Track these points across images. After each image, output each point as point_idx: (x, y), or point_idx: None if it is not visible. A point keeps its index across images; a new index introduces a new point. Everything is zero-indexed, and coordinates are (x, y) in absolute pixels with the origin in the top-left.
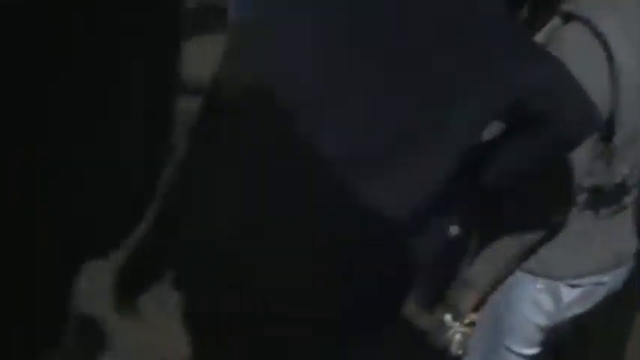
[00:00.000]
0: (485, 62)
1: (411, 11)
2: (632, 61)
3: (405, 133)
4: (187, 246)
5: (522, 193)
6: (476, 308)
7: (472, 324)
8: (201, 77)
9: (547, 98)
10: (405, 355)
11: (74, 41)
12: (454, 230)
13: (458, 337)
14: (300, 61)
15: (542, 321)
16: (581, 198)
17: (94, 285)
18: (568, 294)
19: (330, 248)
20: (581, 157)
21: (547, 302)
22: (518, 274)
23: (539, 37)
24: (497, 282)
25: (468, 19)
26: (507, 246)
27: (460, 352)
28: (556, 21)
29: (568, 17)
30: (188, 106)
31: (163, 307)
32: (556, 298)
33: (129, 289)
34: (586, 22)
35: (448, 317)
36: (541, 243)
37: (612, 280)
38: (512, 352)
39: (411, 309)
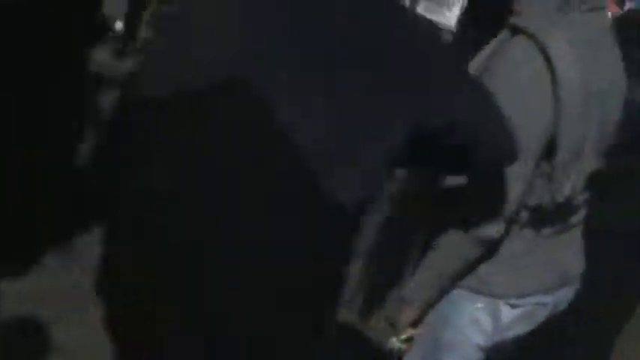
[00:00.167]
0: (410, 88)
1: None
2: (576, 76)
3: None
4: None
5: (457, 208)
6: (414, 324)
7: (410, 339)
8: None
9: (465, 130)
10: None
11: (74, 41)
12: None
13: (396, 351)
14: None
15: (481, 340)
16: (524, 216)
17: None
18: (508, 314)
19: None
20: (523, 174)
21: (486, 321)
22: (458, 291)
23: (488, 50)
24: (435, 298)
25: (400, 44)
26: (445, 261)
27: None
28: (504, 33)
29: (515, 30)
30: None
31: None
32: (495, 317)
33: None
34: (531, 36)
35: (385, 331)
36: (480, 260)
37: (555, 301)
38: None
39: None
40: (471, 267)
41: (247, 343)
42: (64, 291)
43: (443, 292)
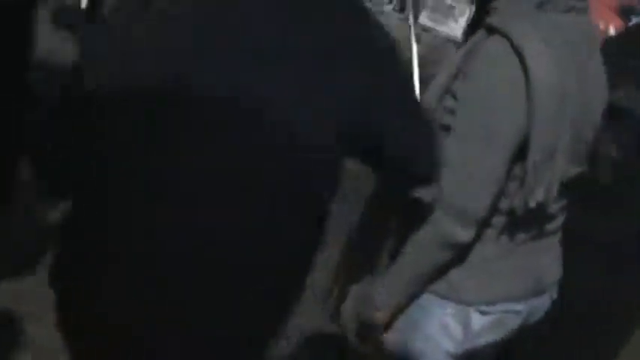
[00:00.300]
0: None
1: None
2: (550, 77)
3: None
4: None
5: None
6: (384, 328)
7: (380, 344)
8: None
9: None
10: None
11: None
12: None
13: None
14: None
15: (451, 347)
16: (498, 221)
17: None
18: (478, 321)
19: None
20: (495, 177)
21: (456, 328)
22: (428, 296)
23: (463, 50)
24: (405, 303)
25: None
26: (414, 265)
27: None
28: (480, 33)
29: (490, 30)
30: None
31: None
32: (465, 324)
33: None
34: (505, 35)
35: (353, 335)
36: (451, 265)
37: (529, 309)
38: None
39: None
40: (441, 271)
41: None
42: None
43: (413, 297)
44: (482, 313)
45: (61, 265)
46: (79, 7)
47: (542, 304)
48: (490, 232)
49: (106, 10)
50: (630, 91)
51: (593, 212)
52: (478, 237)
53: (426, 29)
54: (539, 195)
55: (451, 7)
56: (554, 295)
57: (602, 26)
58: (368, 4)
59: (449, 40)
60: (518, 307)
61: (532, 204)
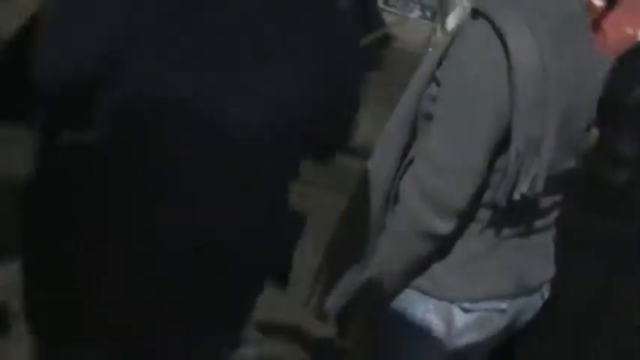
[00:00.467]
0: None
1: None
2: (534, 63)
3: None
4: None
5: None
6: (365, 323)
7: (359, 341)
8: None
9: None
10: None
11: None
12: None
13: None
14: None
15: (434, 345)
16: (483, 215)
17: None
18: (461, 318)
19: None
20: (476, 166)
21: (438, 325)
22: (410, 291)
23: (450, 35)
24: (385, 297)
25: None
26: (393, 257)
27: None
28: (466, 18)
29: (475, 14)
30: None
31: None
32: (448, 321)
33: None
34: (487, 19)
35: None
36: (432, 259)
37: (517, 308)
38: None
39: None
40: (422, 266)
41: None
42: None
43: (394, 292)
44: (465, 310)
45: (59, 264)
46: None
47: (532, 304)
48: (474, 227)
49: None
50: None
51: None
52: (461, 231)
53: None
54: (523, 187)
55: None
56: (546, 295)
57: (630, 31)
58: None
59: None
60: (503, 305)
61: (516, 196)
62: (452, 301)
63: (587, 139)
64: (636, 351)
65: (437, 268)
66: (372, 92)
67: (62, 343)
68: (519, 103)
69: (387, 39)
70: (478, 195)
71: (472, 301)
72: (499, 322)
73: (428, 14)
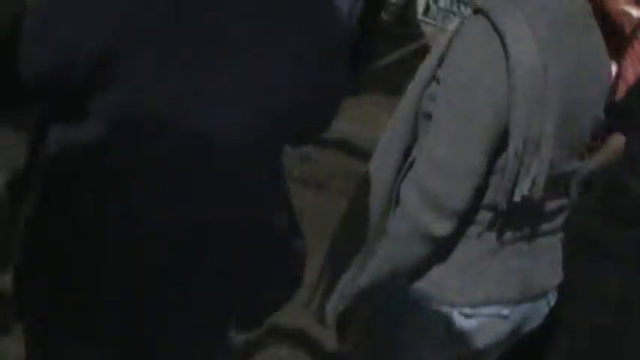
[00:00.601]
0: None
1: None
2: (533, 60)
3: None
4: None
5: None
6: (364, 325)
7: (358, 345)
8: None
9: None
10: None
11: None
12: None
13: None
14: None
15: (434, 351)
16: (483, 217)
17: None
18: (462, 323)
19: None
20: (474, 166)
21: (438, 330)
22: (411, 294)
23: (452, 32)
24: (384, 299)
25: None
26: (390, 258)
27: None
28: (469, 15)
29: (476, 11)
30: None
31: None
32: (448, 326)
33: None
34: (486, 15)
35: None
36: (432, 261)
37: (521, 313)
38: None
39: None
40: (422, 268)
41: None
42: None
43: (393, 294)
44: (466, 315)
45: (58, 261)
46: None
47: (537, 310)
48: (474, 229)
49: None
50: None
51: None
52: (461, 234)
53: None
54: (523, 187)
55: None
56: (552, 302)
57: None
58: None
59: None
60: (505, 311)
61: (517, 197)
62: (452, 306)
63: (588, 140)
64: None
65: (437, 271)
66: None
67: (61, 342)
68: (517, 102)
69: (425, 50)
70: (478, 197)
71: (473, 305)
72: (502, 329)
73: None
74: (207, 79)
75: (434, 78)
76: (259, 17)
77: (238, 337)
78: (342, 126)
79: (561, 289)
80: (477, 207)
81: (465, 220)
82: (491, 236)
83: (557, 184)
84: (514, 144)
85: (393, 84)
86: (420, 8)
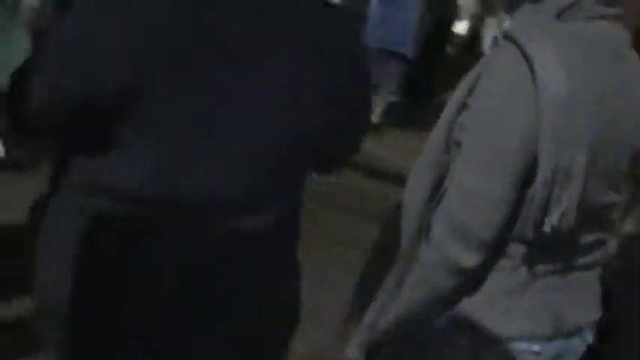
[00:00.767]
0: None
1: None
2: (561, 89)
3: None
4: None
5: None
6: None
7: None
8: None
9: None
10: None
11: None
12: None
13: None
14: None
15: None
16: (515, 250)
17: None
18: (492, 359)
19: None
20: (501, 196)
21: None
22: (440, 327)
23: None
24: (411, 330)
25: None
26: (416, 289)
27: None
28: (499, 42)
29: (506, 38)
30: None
31: None
32: None
33: None
34: (516, 43)
35: None
36: (460, 294)
37: (552, 351)
38: None
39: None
40: (451, 301)
41: None
42: None
43: (420, 326)
44: (495, 351)
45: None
46: None
47: (572, 348)
48: (506, 263)
49: None
50: None
51: None
52: (492, 266)
53: None
54: (553, 218)
55: None
56: (589, 340)
57: None
58: None
59: None
60: (536, 347)
61: (546, 228)
62: (481, 340)
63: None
64: None
65: (465, 304)
66: None
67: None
68: (546, 129)
69: None
70: (508, 228)
71: (503, 341)
72: None
73: None
74: (230, 100)
75: (464, 106)
76: (278, 37)
77: None
78: (406, 162)
79: (603, 325)
80: (508, 239)
81: (495, 252)
82: (523, 269)
83: (592, 216)
84: (543, 173)
85: None
86: (486, 41)
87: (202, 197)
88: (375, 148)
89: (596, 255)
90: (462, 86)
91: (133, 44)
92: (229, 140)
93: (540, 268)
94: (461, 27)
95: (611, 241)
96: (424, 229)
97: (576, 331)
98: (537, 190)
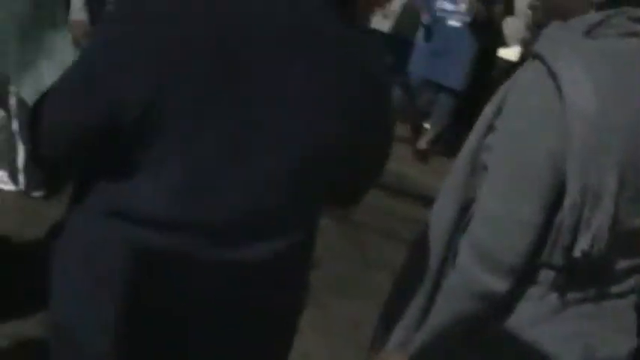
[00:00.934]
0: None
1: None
2: (590, 107)
3: None
4: None
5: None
6: None
7: None
8: None
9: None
10: None
11: None
12: None
13: None
14: None
15: None
16: (545, 277)
17: None
18: None
19: None
20: (529, 219)
21: None
22: (466, 354)
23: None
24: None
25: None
26: (442, 313)
27: None
28: (529, 60)
29: (534, 56)
30: None
31: None
32: None
33: None
34: (542, 59)
35: None
36: (489, 320)
37: None
38: None
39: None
40: (478, 328)
41: None
42: None
43: (448, 352)
44: None
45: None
46: None
47: None
48: (536, 290)
49: None
50: None
51: None
52: (522, 294)
53: None
54: (583, 243)
55: None
56: None
57: None
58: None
59: None
60: None
61: (576, 253)
62: None
63: None
64: None
65: (492, 332)
66: None
67: None
68: (573, 149)
69: None
70: (536, 253)
71: None
72: None
73: None
74: (249, 125)
75: (491, 128)
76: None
77: None
78: None
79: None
80: (536, 265)
81: (524, 279)
82: (553, 296)
83: (624, 241)
84: (571, 195)
85: None
86: None
87: (222, 220)
88: (422, 175)
89: (630, 282)
90: (489, 108)
91: (157, 68)
92: (251, 163)
93: (571, 295)
94: (510, 53)
95: None
96: (452, 253)
97: None
98: (566, 213)
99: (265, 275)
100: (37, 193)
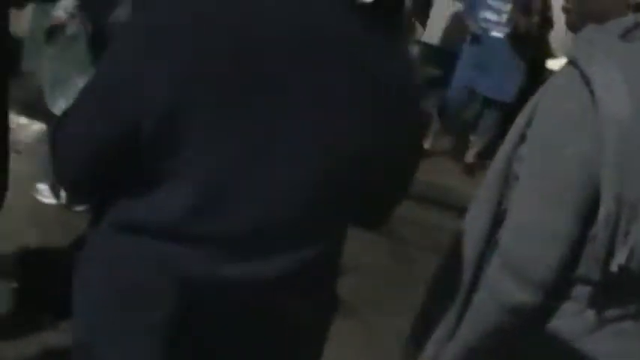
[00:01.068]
0: None
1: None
2: (625, 112)
3: None
4: None
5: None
6: None
7: None
8: None
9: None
10: None
11: None
12: None
13: None
14: None
15: None
16: (581, 292)
17: None
18: None
19: None
20: (561, 231)
21: None
22: None
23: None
24: None
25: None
26: (470, 326)
27: None
28: (564, 65)
29: (568, 62)
30: None
31: None
32: None
33: None
34: (575, 64)
35: None
36: (514, 333)
37: None
38: None
39: None
40: (508, 341)
41: None
42: None
43: None
44: None
45: None
46: None
47: None
48: (570, 306)
49: None
50: None
51: None
52: (555, 310)
53: None
54: (620, 257)
55: None
56: None
57: None
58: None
59: None
60: None
61: (613, 268)
62: None
63: None
64: None
65: (526, 350)
66: None
67: None
68: (608, 158)
69: None
70: (571, 267)
71: None
72: None
73: None
74: (269, 135)
75: (523, 137)
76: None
77: None
78: None
79: None
80: (572, 279)
81: (558, 294)
82: (590, 313)
83: None
84: (606, 205)
85: None
86: None
87: (244, 232)
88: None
89: None
90: (521, 117)
91: (174, 80)
92: (272, 174)
93: (609, 312)
94: (558, 64)
95: None
96: (484, 265)
97: None
98: (600, 224)
99: (290, 287)
100: (78, 207)
